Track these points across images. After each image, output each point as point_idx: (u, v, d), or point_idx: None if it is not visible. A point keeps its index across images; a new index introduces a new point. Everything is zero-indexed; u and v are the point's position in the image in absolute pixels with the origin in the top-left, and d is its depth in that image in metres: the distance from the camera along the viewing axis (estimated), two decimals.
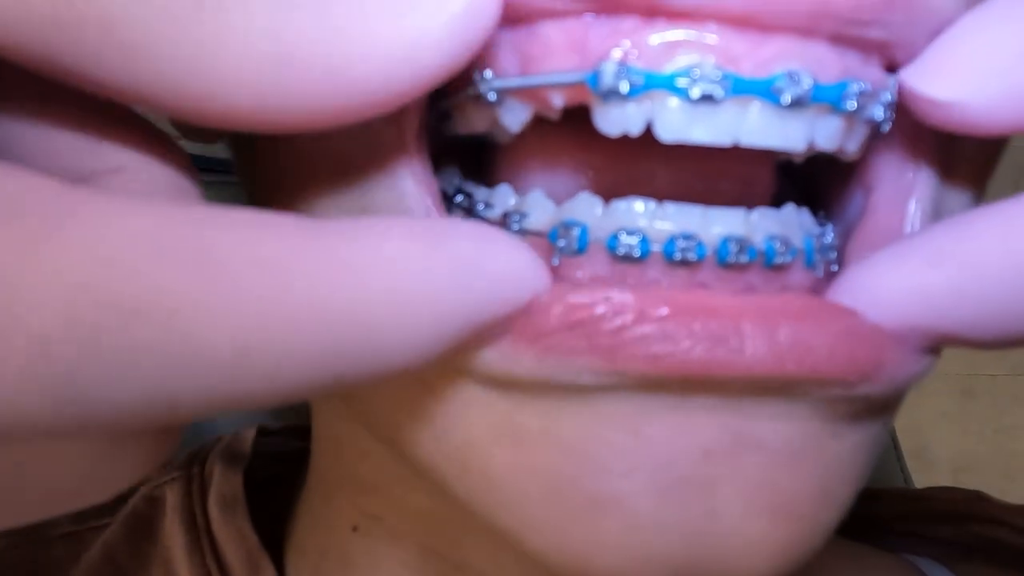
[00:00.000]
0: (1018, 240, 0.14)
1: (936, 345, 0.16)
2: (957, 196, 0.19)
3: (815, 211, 0.20)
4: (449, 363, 0.16)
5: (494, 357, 0.16)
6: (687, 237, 0.17)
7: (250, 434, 0.37)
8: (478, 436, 0.17)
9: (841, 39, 0.16)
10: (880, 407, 0.18)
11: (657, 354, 0.15)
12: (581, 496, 0.16)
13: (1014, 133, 0.15)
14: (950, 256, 0.15)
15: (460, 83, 0.17)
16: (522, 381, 0.16)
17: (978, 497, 0.42)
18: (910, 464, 0.54)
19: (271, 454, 0.37)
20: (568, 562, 0.17)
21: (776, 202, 0.20)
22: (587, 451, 0.16)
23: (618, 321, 0.15)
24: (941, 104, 0.15)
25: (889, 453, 0.52)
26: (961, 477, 1.33)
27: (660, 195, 0.18)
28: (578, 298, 0.15)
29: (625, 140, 0.17)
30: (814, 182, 0.22)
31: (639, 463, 0.16)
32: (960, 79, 0.15)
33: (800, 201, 0.20)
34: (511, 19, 0.16)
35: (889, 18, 0.15)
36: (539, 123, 0.18)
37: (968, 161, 0.19)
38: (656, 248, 0.17)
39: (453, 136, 0.19)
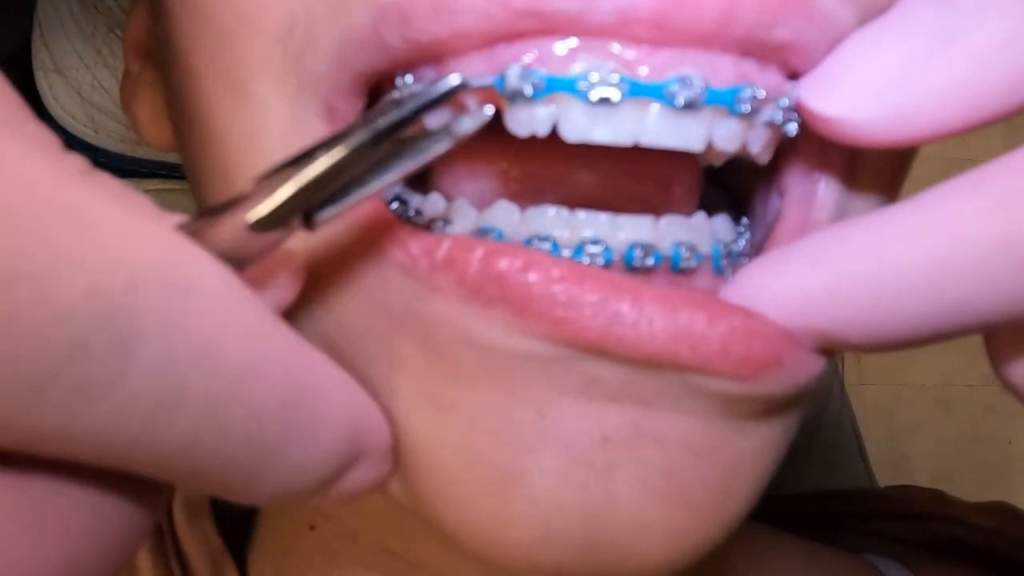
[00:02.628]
0: (887, 245, 0.15)
1: (824, 346, 0.17)
2: (862, 202, 0.19)
3: (742, 216, 0.21)
4: (385, 317, 0.17)
5: (423, 305, 0.17)
6: (595, 242, 0.18)
7: None
8: (401, 403, 0.18)
9: (739, 47, 0.17)
10: (783, 407, 0.18)
11: (559, 317, 0.16)
12: (488, 470, 0.17)
13: (897, 147, 0.16)
14: (827, 258, 0.15)
15: (386, 89, 0.18)
16: (445, 332, 0.17)
17: (939, 496, 0.43)
18: (887, 475, 0.55)
19: None
20: (479, 537, 0.18)
21: (707, 209, 0.21)
22: (496, 426, 0.17)
23: (532, 277, 0.16)
24: (827, 119, 0.16)
25: (854, 456, 0.53)
26: (938, 487, 1.34)
27: (583, 200, 0.19)
28: (499, 251, 0.16)
29: (548, 148, 0.18)
30: (746, 189, 0.23)
31: (543, 442, 0.17)
32: (845, 96, 0.16)
33: (733, 207, 0.21)
34: (428, 58, 0.17)
35: (787, 20, 0.16)
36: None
37: (872, 169, 0.19)
38: (566, 253, 0.18)
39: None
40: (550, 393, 0.17)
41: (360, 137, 0.14)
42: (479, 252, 0.16)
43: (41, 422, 0.11)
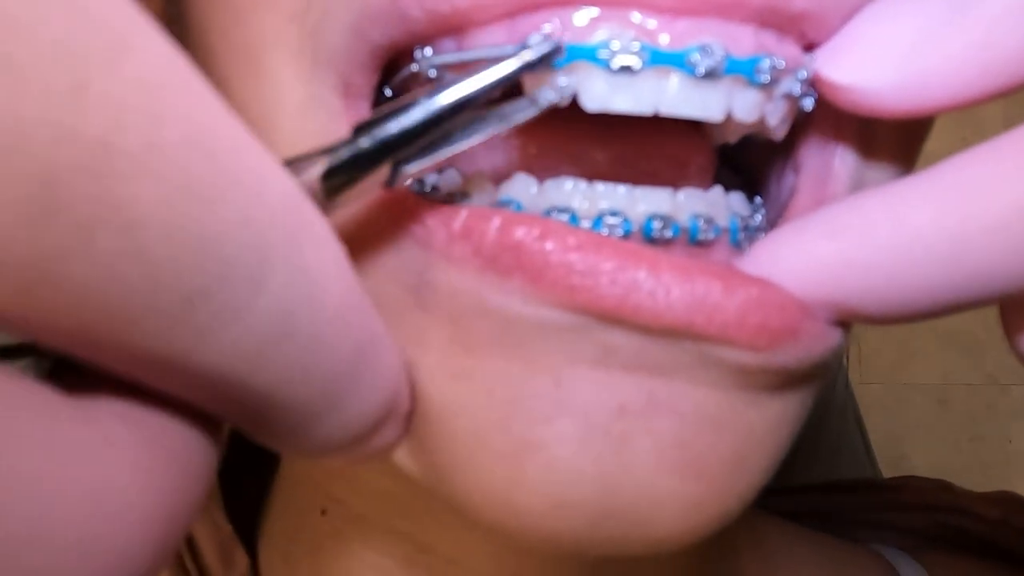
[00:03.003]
0: (904, 214, 0.15)
1: (839, 318, 0.17)
2: (878, 174, 0.19)
3: (755, 197, 0.21)
4: (403, 290, 0.17)
5: (440, 276, 0.17)
6: (614, 214, 0.18)
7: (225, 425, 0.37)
8: (419, 372, 0.18)
9: (758, 17, 0.17)
10: (798, 380, 0.18)
11: (576, 284, 0.16)
12: (505, 438, 0.17)
13: (911, 116, 0.16)
14: (843, 228, 0.15)
15: (403, 63, 0.18)
16: (462, 303, 0.17)
17: (944, 486, 0.43)
18: (887, 474, 0.55)
19: (243, 447, 0.38)
20: (491, 504, 0.18)
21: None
22: (512, 395, 0.17)
23: (548, 245, 0.16)
24: (842, 88, 0.16)
25: (859, 449, 0.53)
26: None
27: (598, 175, 0.19)
28: (516, 220, 0.16)
29: (565, 122, 0.18)
30: (761, 174, 0.23)
31: (559, 411, 0.17)
32: (859, 65, 0.16)
33: (745, 190, 0.21)
34: (448, 29, 0.17)
35: None
36: None
37: (887, 142, 0.19)
38: (585, 224, 0.18)
39: None
40: (566, 362, 0.17)
41: (455, 94, 0.15)
42: (496, 221, 0.16)
43: (172, 345, 0.11)
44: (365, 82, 0.18)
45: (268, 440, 0.14)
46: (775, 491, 0.45)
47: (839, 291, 0.16)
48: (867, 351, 1.42)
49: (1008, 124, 0.17)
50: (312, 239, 0.12)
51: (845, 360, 0.53)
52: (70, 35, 0.09)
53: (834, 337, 0.17)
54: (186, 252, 0.10)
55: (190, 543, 0.32)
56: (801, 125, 0.20)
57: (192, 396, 0.12)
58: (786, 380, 0.18)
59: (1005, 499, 0.40)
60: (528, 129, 0.20)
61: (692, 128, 0.20)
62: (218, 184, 0.10)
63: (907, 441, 1.40)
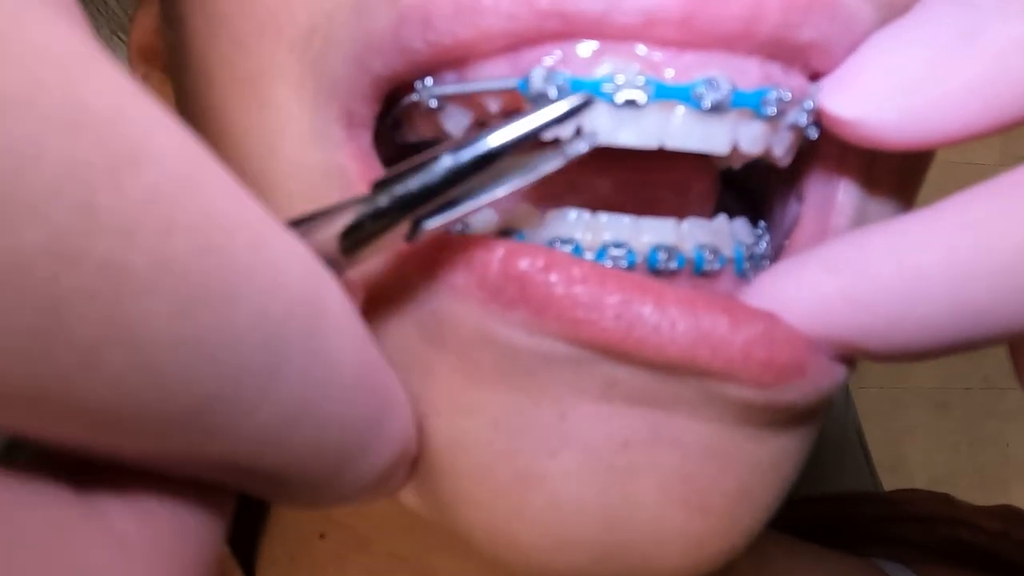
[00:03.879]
0: (906, 252, 0.14)
1: (844, 354, 0.17)
2: (880, 207, 0.19)
3: (759, 221, 0.21)
4: (406, 322, 0.17)
5: (443, 307, 0.17)
6: (618, 245, 0.17)
7: None
8: (423, 406, 0.17)
9: (765, 49, 0.16)
10: (803, 416, 0.18)
11: (580, 318, 0.16)
12: (509, 472, 0.17)
13: (915, 149, 0.16)
14: (846, 264, 0.15)
15: (405, 93, 0.18)
16: (466, 335, 0.17)
17: (945, 499, 0.43)
18: (886, 478, 0.55)
19: None
20: (494, 538, 0.17)
21: (723, 213, 0.20)
22: (518, 428, 0.17)
23: (553, 277, 0.16)
24: (845, 121, 0.16)
25: (860, 463, 0.53)
26: (936, 489, 1.34)
27: (602, 204, 0.19)
28: (520, 251, 0.16)
29: None
30: (764, 197, 0.23)
31: (564, 444, 0.17)
32: (862, 98, 0.16)
33: (748, 212, 0.21)
34: (450, 61, 0.17)
35: (812, 20, 0.16)
36: None
37: (890, 174, 0.19)
38: (589, 255, 0.17)
39: (411, 147, 0.20)
40: (570, 395, 0.16)
41: (479, 149, 0.14)
42: (499, 252, 0.16)
43: (181, 444, 0.10)
44: (367, 112, 0.18)
45: (278, 501, 0.13)
46: None
47: (840, 328, 0.15)
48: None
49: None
50: (330, 320, 0.12)
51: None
52: (73, 158, 0.08)
53: (839, 372, 0.17)
54: (199, 362, 0.10)
55: None
56: (806, 152, 0.19)
57: (202, 476, 0.12)
58: (791, 416, 0.18)
59: (1005, 512, 0.40)
60: None
61: (695, 154, 0.20)
62: (233, 287, 0.10)
63: (905, 445, 1.41)
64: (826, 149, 0.19)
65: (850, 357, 0.17)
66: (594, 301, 0.16)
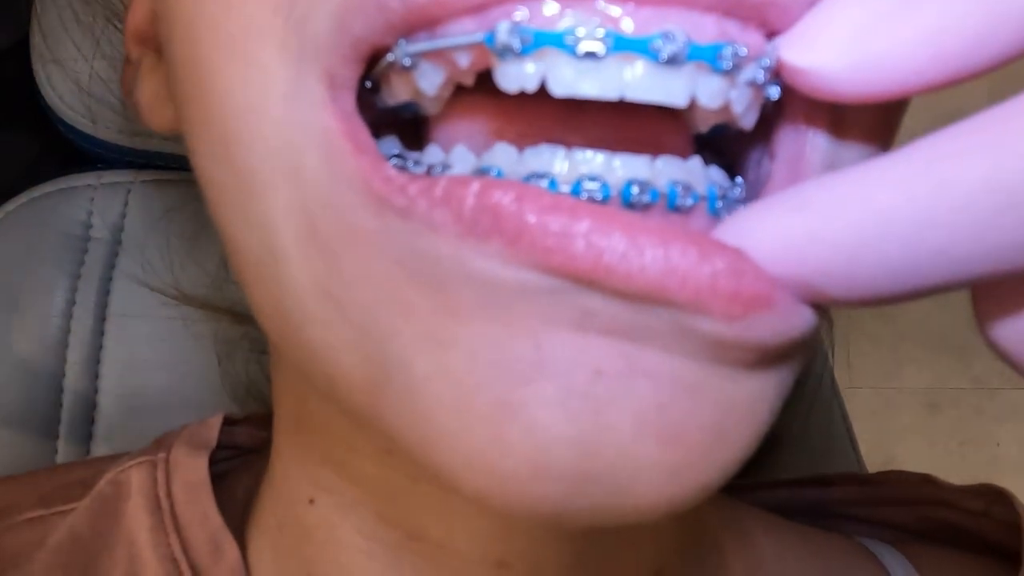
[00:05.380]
0: (871, 191, 0.15)
1: (808, 299, 0.17)
2: (853, 156, 0.20)
3: (738, 178, 0.22)
4: (386, 263, 0.18)
5: (423, 244, 0.17)
6: (593, 179, 0.18)
7: (215, 421, 0.37)
8: (402, 344, 0.18)
9: (721, 6, 0.17)
10: (775, 358, 0.19)
11: (551, 246, 0.16)
12: (487, 401, 0.17)
13: (871, 101, 0.16)
14: (812, 203, 0.15)
15: (383, 55, 0.18)
16: (444, 269, 0.17)
17: (927, 480, 0.43)
18: (881, 467, 0.56)
19: (236, 445, 0.38)
20: (472, 468, 0.18)
21: None
22: (494, 358, 0.17)
23: (525, 207, 0.16)
24: (799, 71, 0.17)
25: (846, 446, 0.53)
26: None
27: None
28: (494, 185, 0.17)
29: (544, 109, 0.19)
30: (740, 161, 0.24)
31: (539, 374, 0.17)
32: (816, 48, 0.16)
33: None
34: (424, 21, 0.18)
35: None
36: (464, 95, 0.20)
37: (860, 125, 0.20)
38: (564, 188, 0.18)
39: (393, 113, 0.21)
40: (545, 325, 0.17)
41: None
42: (475, 186, 0.17)
43: None
44: (349, 74, 0.18)
45: None
46: (762, 484, 0.46)
47: (804, 267, 0.16)
48: (856, 356, 1.42)
49: (991, 80, 0.17)
50: None
51: (831, 359, 0.53)
52: None
53: (807, 316, 0.18)
54: None
55: (180, 533, 0.32)
56: (775, 114, 0.20)
57: None
58: (763, 356, 0.18)
59: (987, 491, 0.41)
60: (506, 115, 0.21)
61: (669, 116, 0.20)
62: None
63: (897, 445, 1.41)
64: (792, 106, 0.19)
65: (812, 301, 0.17)
66: (564, 229, 0.16)
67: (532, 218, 0.16)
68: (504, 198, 0.16)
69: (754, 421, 0.19)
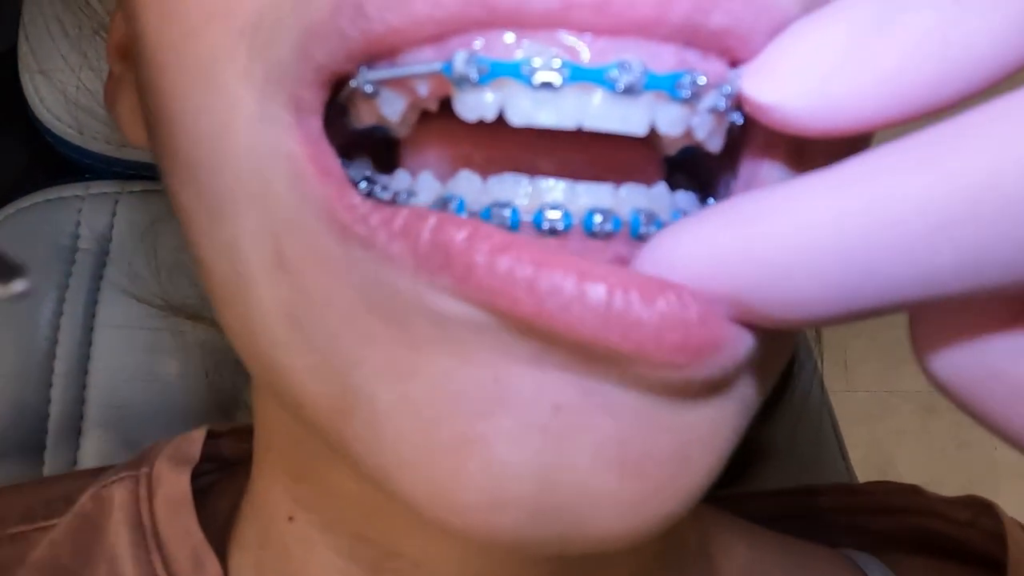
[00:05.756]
0: (803, 207, 0.14)
1: (739, 317, 0.16)
2: None
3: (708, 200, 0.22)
4: (349, 290, 0.18)
5: (382, 275, 0.17)
6: (555, 207, 0.18)
7: (199, 435, 0.37)
8: (365, 374, 0.18)
9: (680, 35, 0.17)
10: (733, 381, 0.18)
11: (497, 288, 0.16)
12: (447, 434, 0.17)
13: (830, 137, 0.16)
14: (743, 219, 0.15)
15: (346, 78, 0.19)
16: (402, 301, 0.17)
17: (913, 490, 0.43)
18: (872, 478, 0.56)
19: (220, 456, 0.38)
20: (434, 500, 0.18)
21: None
22: (454, 391, 0.17)
23: (476, 246, 0.16)
24: (762, 107, 0.17)
25: (835, 454, 0.53)
26: None
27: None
28: (449, 221, 0.17)
29: (514, 133, 0.19)
30: (712, 183, 0.23)
31: (498, 407, 0.17)
32: (779, 85, 0.16)
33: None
34: (383, 50, 0.18)
35: (724, 4, 0.17)
36: (432, 121, 0.20)
37: (823, 154, 0.19)
38: (526, 218, 0.18)
39: (363, 136, 0.21)
40: (503, 359, 0.17)
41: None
42: (432, 221, 0.17)
43: None
44: (314, 99, 0.18)
45: None
46: (749, 495, 0.46)
47: (733, 284, 0.15)
48: (853, 359, 1.42)
49: None
50: None
51: (820, 365, 0.53)
52: None
53: (748, 340, 0.17)
54: None
55: (161, 550, 0.32)
56: (742, 138, 0.20)
57: None
58: (720, 383, 0.18)
59: (973, 502, 0.41)
60: (476, 140, 0.21)
61: (639, 140, 0.20)
62: None
63: (893, 448, 1.41)
64: (753, 132, 0.19)
65: (749, 321, 0.17)
66: (509, 272, 0.16)
67: (480, 258, 0.16)
68: (457, 235, 0.17)
69: (717, 445, 0.19)
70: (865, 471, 0.55)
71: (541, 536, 0.18)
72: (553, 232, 0.18)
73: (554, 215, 0.18)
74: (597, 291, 0.16)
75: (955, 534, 0.41)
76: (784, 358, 0.22)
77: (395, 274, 0.17)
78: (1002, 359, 0.15)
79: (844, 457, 0.53)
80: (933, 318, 0.16)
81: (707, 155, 0.21)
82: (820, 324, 0.15)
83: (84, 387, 0.47)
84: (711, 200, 0.21)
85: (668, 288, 0.16)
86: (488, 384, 0.17)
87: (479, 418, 0.17)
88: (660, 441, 0.18)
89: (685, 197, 0.21)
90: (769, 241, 0.14)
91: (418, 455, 0.18)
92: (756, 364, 0.18)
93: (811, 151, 0.19)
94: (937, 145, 0.13)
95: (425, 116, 0.20)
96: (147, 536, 0.33)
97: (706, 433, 0.18)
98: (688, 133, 0.19)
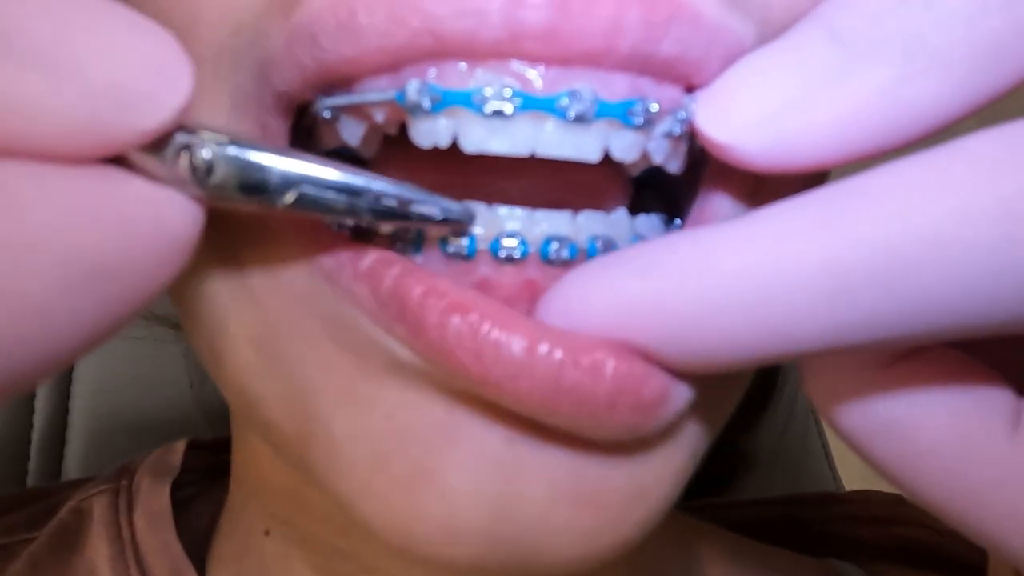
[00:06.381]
0: (715, 259, 0.14)
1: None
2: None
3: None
4: (312, 318, 0.18)
5: (346, 308, 0.18)
6: (511, 235, 0.18)
7: (180, 447, 0.37)
8: (325, 402, 0.18)
9: (632, 64, 0.17)
10: (684, 420, 0.18)
11: (448, 348, 0.16)
12: (403, 466, 0.18)
13: (785, 173, 0.16)
14: (655, 267, 0.15)
15: (307, 105, 0.19)
16: (361, 338, 0.18)
17: (899, 500, 0.43)
18: (860, 486, 0.56)
19: (201, 468, 0.38)
20: (391, 530, 0.18)
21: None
22: (409, 422, 0.18)
23: (429, 303, 0.17)
24: (715, 144, 0.17)
25: (820, 462, 0.53)
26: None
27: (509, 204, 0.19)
28: (410, 272, 0.17)
29: (474, 159, 0.19)
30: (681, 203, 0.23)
31: (453, 439, 0.17)
32: (732, 123, 0.16)
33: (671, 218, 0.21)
34: (339, 80, 0.18)
35: (673, 32, 0.17)
36: (396, 144, 0.20)
37: (776, 180, 0.19)
38: (483, 246, 0.18)
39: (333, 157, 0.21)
40: (455, 398, 0.17)
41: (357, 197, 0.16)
42: (395, 270, 0.17)
43: None
44: (278, 125, 0.19)
45: None
46: (735, 503, 0.46)
47: (641, 333, 0.15)
48: None
49: None
50: None
51: None
52: None
53: (685, 391, 0.17)
54: None
55: (140, 564, 0.32)
56: (703, 160, 0.20)
57: None
58: (671, 427, 0.18)
59: None
60: (435, 165, 0.21)
61: (601, 163, 0.20)
62: None
63: None
64: (711, 156, 0.19)
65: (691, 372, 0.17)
66: (457, 333, 0.16)
67: (432, 318, 0.16)
68: (414, 290, 0.17)
69: (673, 472, 0.19)
70: (851, 477, 0.55)
71: (498, 562, 0.18)
72: (510, 260, 0.18)
73: (510, 243, 0.18)
74: (546, 361, 0.16)
75: (940, 543, 0.41)
76: (734, 392, 0.22)
77: (356, 312, 0.18)
78: (892, 407, 0.16)
79: (830, 465, 0.53)
80: (826, 370, 0.16)
81: (672, 176, 0.21)
82: (721, 372, 0.15)
83: (68, 397, 0.47)
84: (677, 222, 0.21)
85: (621, 357, 0.16)
86: (440, 417, 0.17)
87: (434, 450, 0.17)
88: (616, 473, 0.18)
89: (647, 221, 0.21)
90: (679, 294, 0.15)
91: (374, 485, 0.18)
92: (700, 406, 0.18)
93: (768, 179, 0.19)
94: (845, 207, 0.14)
95: (392, 139, 0.20)
96: (126, 549, 0.33)
97: (661, 462, 0.19)
98: (645, 157, 0.18)
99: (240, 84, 0.18)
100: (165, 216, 0.14)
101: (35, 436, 0.46)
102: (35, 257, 0.12)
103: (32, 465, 0.46)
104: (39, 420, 0.47)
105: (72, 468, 0.46)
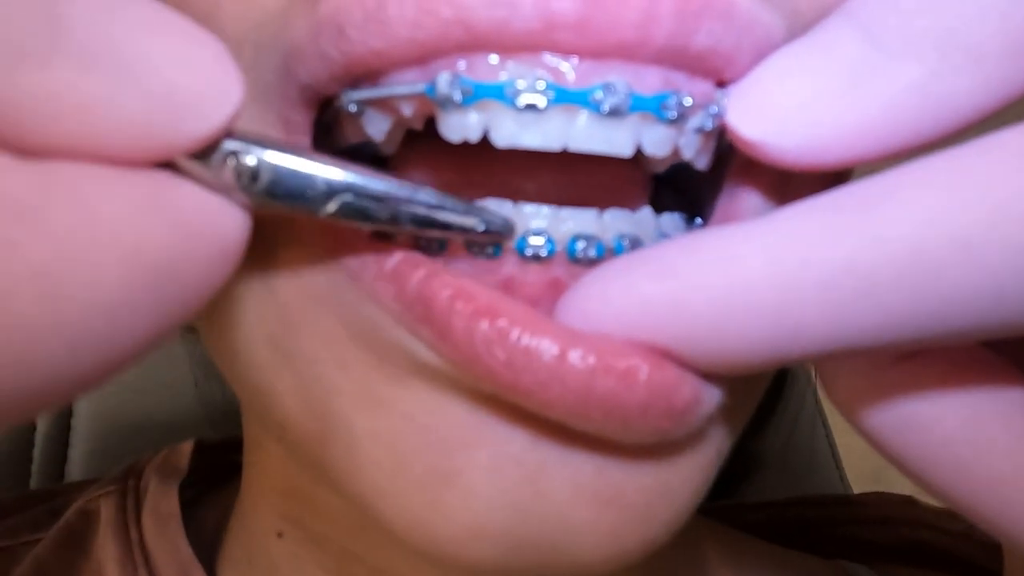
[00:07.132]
0: (735, 260, 0.14)
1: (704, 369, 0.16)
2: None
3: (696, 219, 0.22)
4: (332, 317, 0.18)
5: (366, 310, 0.17)
6: (538, 233, 0.18)
7: (187, 448, 0.37)
8: (343, 401, 0.18)
9: (664, 58, 0.17)
10: (710, 423, 0.18)
11: (476, 354, 0.16)
12: (424, 466, 0.17)
13: (814, 171, 0.16)
14: (674, 269, 0.15)
15: (332, 99, 0.18)
16: (383, 338, 0.17)
17: (908, 501, 0.43)
18: (867, 488, 0.56)
19: (208, 468, 0.38)
20: (413, 531, 0.18)
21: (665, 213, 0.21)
22: (431, 423, 0.17)
23: (457, 306, 0.16)
24: (749, 142, 0.16)
25: (828, 464, 0.53)
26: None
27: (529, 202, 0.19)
28: (437, 275, 0.17)
29: (494, 160, 0.18)
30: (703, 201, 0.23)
31: (475, 440, 0.17)
32: (763, 121, 0.16)
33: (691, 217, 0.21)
34: (366, 73, 0.17)
35: (706, 25, 0.16)
36: (419, 141, 0.20)
37: (803, 178, 0.19)
38: (509, 244, 0.18)
39: (353, 154, 0.20)
40: (479, 400, 0.17)
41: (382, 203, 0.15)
42: (421, 272, 0.17)
43: None
44: (302, 119, 0.18)
45: None
46: (744, 506, 0.46)
47: (661, 334, 0.15)
48: None
49: None
50: None
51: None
52: None
53: (715, 393, 0.17)
54: None
55: (149, 566, 0.32)
56: (729, 155, 0.20)
57: None
58: (700, 430, 0.18)
59: None
60: (458, 162, 0.20)
61: (625, 160, 0.20)
62: None
63: None
64: (738, 152, 0.19)
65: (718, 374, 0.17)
66: (486, 339, 0.16)
67: (459, 322, 0.16)
68: (441, 293, 0.16)
69: (700, 473, 0.19)
70: (860, 482, 0.55)
71: (522, 563, 0.18)
72: (536, 258, 0.18)
73: (537, 241, 0.18)
74: (579, 368, 0.15)
75: (950, 545, 0.41)
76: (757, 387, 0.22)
77: (378, 312, 0.17)
78: (910, 402, 0.15)
79: (838, 467, 0.53)
80: (845, 371, 0.16)
81: (694, 173, 0.21)
82: (743, 373, 0.15)
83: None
84: (699, 220, 0.21)
85: (653, 361, 0.16)
86: (463, 418, 0.17)
87: (455, 450, 0.17)
88: (641, 472, 0.18)
89: (670, 219, 0.20)
90: (702, 294, 0.14)
91: (394, 485, 0.18)
92: (725, 407, 0.18)
93: (795, 175, 0.19)
94: (870, 207, 0.14)
95: (413, 136, 0.20)
96: (134, 551, 0.32)
97: (688, 462, 0.18)
98: (675, 152, 0.18)
99: (263, 77, 0.18)
100: (217, 221, 0.14)
101: (38, 437, 0.46)
102: (102, 253, 0.12)
103: (35, 467, 0.46)
104: (42, 421, 0.46)
105: (75, 469, 0.46)
